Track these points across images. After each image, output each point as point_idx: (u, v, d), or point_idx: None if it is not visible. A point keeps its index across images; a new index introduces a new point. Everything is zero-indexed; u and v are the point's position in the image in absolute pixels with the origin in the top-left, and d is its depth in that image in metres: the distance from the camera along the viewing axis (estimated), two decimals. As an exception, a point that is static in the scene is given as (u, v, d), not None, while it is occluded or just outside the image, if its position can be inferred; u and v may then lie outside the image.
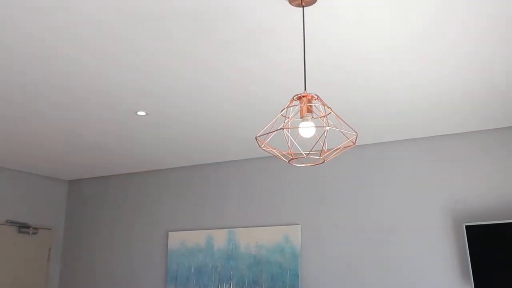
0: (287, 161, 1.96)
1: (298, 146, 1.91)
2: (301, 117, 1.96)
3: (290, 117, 1.91)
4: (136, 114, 3.35)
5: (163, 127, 3.64)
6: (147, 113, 3.34)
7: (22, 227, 4.94)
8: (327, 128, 1.80)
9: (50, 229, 5.23)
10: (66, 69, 2.63)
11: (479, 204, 3.57)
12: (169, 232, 4.69)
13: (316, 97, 1.95)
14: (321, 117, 2.00)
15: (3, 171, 4.84)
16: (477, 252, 3.33)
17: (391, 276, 3.74)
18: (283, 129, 1.77)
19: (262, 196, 4.36)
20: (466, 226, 3.39)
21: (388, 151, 3.94)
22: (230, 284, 4.29)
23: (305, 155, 1.84)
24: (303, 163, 1.97)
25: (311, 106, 1.95)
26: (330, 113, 1.96)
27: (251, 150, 4.22)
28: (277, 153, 1.99)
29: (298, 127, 1.86)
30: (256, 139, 1.88)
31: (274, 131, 1.76)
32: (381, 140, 3.93)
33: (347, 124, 1.86)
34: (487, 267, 3.29)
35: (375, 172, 3.95)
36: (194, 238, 4.55)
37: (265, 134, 2.01)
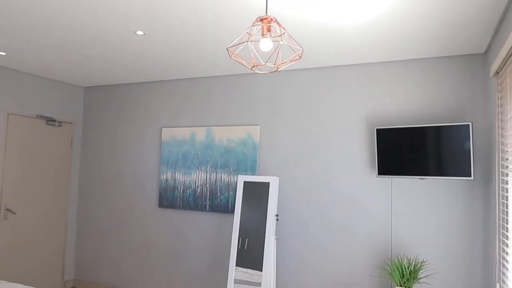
0: (250, 68, 1.99)
1: (259, 57, 1.94)
2: (262, 35, 1.97)
3: (254, 34, 1.92)
4: (135, 33, 3.24)
5: (157, 46, 3.55)
6: (144, 33, 3.23)
7: (49, 121, 4.87)
8: (281, 42, 1.83)
9: (71, 123, 5.18)
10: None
11: (387, 114, 3.73)
12: (163, 128, 4.73)
13: (274, 19, 1.94)
14: (278, 36, 2.01)
15: (33, 77, 4.68)
16: (382, 147, 3.53)
17: (323, 163, 3.95)
18: (248, 41, 1.78)
19: (232, 103, 4.40)
20: (377, 129, 3.56)
21: (328, 74, 3.99)
22: (207, 166, 4.43)
23: (263, 63, 1.88)
24: (262, 70, 2.01)
25: (270, 26, 1.95)
26: (285, 33, 1.97)
27: (225, 67, 4.18)
28: (243, 62, 2.01)
29: (259, 41, 1.88)
30: (227, 50, 1.89)
31: (242, 43, 1.77)
32: (323, 65, 3.96)
33: (296, 41, 1.88)
34: (388, 158, 3.51)
35: (318, 89, 4.01)
36: (181, 133, 4.61)
37: (234, 45, 2.01)
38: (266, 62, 1.75)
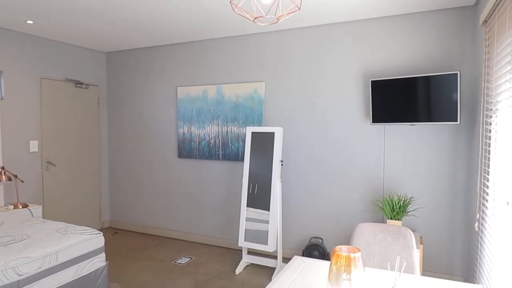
0: (252, 20, 1.86)
1: (261, 9, 1.81)
2: (262, -13, 1.82)
3: (255, -14, 1.78)
4: (149, -4, 3.07)
5: (168, 8, 3.37)
6: (156, -4, 3.06)
7: (78, 84, 4.81)
8: (280, -7, 1.69)
9: (97, 85, 5.11)
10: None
11: (381, 67, 3.58)
12: (178, 87, 4.64)
13: (273, -29, 1.79)
14: (277, -12, 1.86)
15: (60, 44, 4.56)
16: (376, 97, 3.42)
17: (322, 114, 3.86)
18: (249, -7, 1.66)
19: (240, 62, 4.26)
20: (371, 81, 3.43)
21: (326, 31, 3.80)
22: (219, 120, 4.38)
23: (264, 15, 1.75)
24: (263, 23, 1.88)
25: (270, -22, 1.80)
26: (283, -16, 1.82)
27: (233, 28, 4.00)
28: (246, 14, 1.88)
29: (259, -8, 1.74)
30: (230, 3, 1.76)
31: (243, -6, 1.65)
32: (321, 23, 3.76)
33: (295, -7, 1.75)
34: (382, 107, 3.40)
35: (317, 46, 3.85)
36: (194, 91, 4.52)
37: (236, -2, 1.88)
38: (267, 14, 1.63)
